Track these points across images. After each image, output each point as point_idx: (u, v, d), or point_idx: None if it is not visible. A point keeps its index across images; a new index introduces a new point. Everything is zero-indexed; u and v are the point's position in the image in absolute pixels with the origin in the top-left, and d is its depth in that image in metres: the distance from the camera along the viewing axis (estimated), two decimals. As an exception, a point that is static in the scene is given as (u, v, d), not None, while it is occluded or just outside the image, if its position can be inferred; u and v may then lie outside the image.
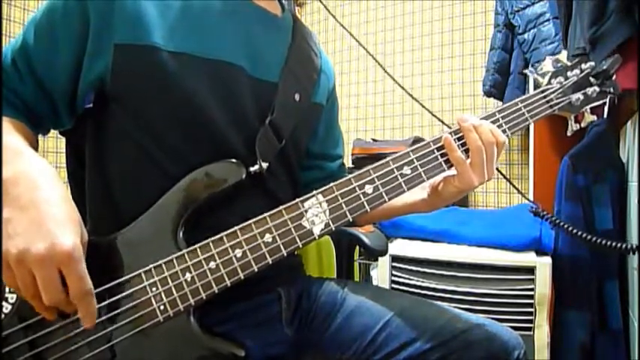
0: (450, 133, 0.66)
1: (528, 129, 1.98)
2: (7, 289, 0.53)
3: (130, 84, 0.61)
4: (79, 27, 0.60)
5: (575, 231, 0.78)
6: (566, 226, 0.78)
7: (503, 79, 2.15)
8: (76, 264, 0.47)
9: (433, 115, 0.80)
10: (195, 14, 0.65)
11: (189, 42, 0.63)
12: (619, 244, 0.77)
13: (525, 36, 1.97)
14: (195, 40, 0.63)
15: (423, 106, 0.77)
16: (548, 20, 1.89)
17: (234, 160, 0.63)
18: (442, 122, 0.68)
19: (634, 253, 0.79)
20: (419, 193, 0.73)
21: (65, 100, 0.63)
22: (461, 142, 0.65)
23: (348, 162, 2.44)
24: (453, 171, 0.66)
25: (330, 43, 3.01)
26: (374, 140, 2.59)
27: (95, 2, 0.59)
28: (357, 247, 1.84)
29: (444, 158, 0.65)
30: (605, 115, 1.37)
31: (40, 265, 0.45)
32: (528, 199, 0.81)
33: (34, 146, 0.62)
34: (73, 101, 0.63)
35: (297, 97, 0.72)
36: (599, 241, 0.76)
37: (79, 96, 0.63)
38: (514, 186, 0.80)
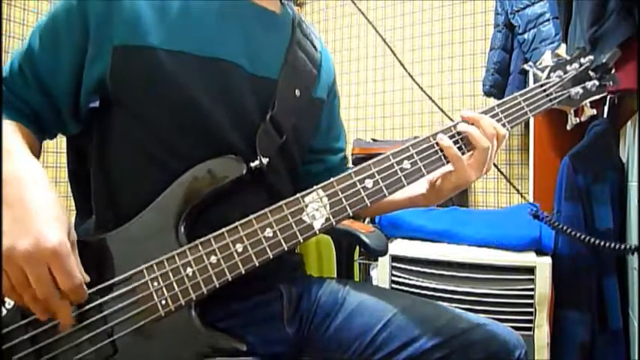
0: (450, 128, 0.66)
1: (528, 129, 1.99)
2: None
3: (129, 85, 0.61)
4: (80, 31, 0.60)
5: (574, 233, 0.77)
6: (565, 228, 0.78)
7: (503, 79, 2.15)
8: (63, 260, 0.48)
9: (445, 113, 0.80)
10: (193, 14, 0.65)
11: (186, 41, 0.63)
12: (619, 245, 0.77)
13: (525, 36, 1.98)
14: (193, 39, 0.64)
15: (440, 108, 0.77)
16: (548, 20, 1.90)
17: (234, 156, 0.63)
18: (452, 121, 0.68)
19: (633, 254, 0.78)
20: (417, 188, 0.73)
21: (69, 106, 0.64)
22: (460, 136, 0.66)
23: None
24: (451, 166, 0.66)
25: (330, 44, 3.01)
26: (374, 140, 2.60)
27: (94, 5, 0.60)
28: (357, 247, 1.84)
29: (444, 152, 0.65)
30: (605, 115, 1.37)
31: (28, 261, 0.46)
32: (527, 200, 0.81)
33: (36, 151, 0.63)
34: (77, 107, 0.64)
35: (297, 92, 0.72)
36: (598, 242, 0.75)
37: (82, 101, 0.63)
38: (514, 186, 0.81)
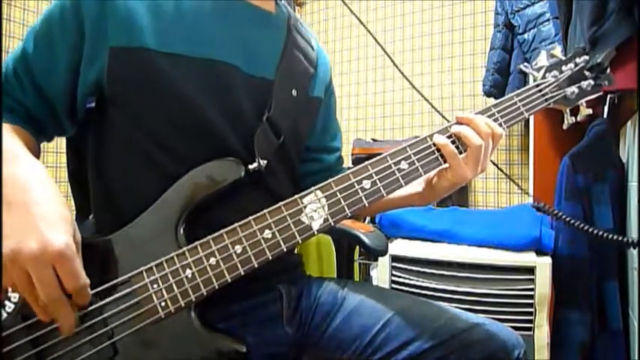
0: (445, 129, 0.67)
1: (528, 129, 1.99)
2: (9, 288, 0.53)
3: (125, 87, 0.61)
4: (75, 33, 0.60)
5: (577, 224, 0.78)
6: (567, 219, 0.78)
7: (503, 79, 2.15)
8: (69, 261, 0.47)
9: (442, 115, 0.80)
10: (188, 14, 0.65)
11: (181, 43, 0.63)
12: (620, 237, 0.77)
13: (525, 36, 1.98)
14: (187, 40, 0.64)
15: (434, 107, 0.77)
16: (548, 20, 1.90)
17: (232, 159, 0.63)
18: (448, 121, 0.68)
19: (634, 247, 0.78)
20: (414, 187, 0.74)
21: (65, 107, 0.64)
22: (456, 137, 0.66)
23: (347, 162, 2.44)
24: (447, 164, 0.66)
25: (330, 44, 3.01)
26: (374, 140, 2.60)
27: (89, 7, 0.60)
28: (357, 247, 1.84)
29: (441, 152, 0.65)
30: (605, 115, 1.37)
31: (34, 263, 0.46)
32: (528, 193, 0.82)
33: (35, 152, 0.63)
34: (74, 108, 0.64)
35: (294, 92, 0.72)
36: (600, 233, 0.76)
37: (78, 102, 0.64)
38: (514, 182, 0.81)
